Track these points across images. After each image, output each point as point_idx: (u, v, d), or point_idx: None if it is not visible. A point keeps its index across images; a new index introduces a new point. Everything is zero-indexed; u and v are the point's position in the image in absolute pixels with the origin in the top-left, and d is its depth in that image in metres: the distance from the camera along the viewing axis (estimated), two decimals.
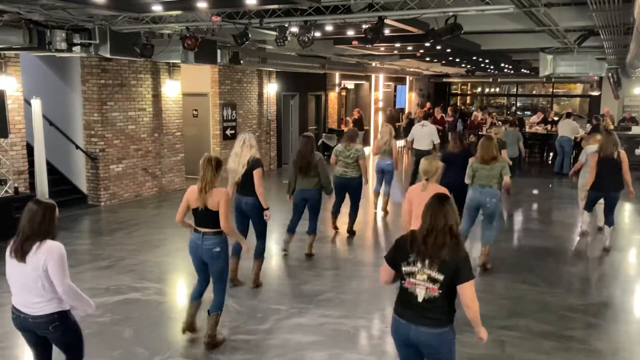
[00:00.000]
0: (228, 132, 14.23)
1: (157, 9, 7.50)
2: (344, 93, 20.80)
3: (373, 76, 22.19)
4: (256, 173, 6.14)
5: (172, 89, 12.39)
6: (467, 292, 3.17)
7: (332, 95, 19.53)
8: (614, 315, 6.03)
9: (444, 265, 3.17)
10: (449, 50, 14.41)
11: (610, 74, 16.70)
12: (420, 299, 3.24)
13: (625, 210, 11.34)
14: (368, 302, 6.22)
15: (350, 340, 5.33)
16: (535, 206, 12.04)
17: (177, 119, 12.71)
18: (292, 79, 16.62)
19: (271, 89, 15.82)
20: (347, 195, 8.70)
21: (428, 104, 23.77)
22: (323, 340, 5.23)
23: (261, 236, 6.60)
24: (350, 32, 10.34)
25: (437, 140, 11.43)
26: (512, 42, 13.22)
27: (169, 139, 12.49)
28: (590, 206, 8.55)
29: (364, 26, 7.62)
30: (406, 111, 24.40)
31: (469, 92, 33.00)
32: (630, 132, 16.84)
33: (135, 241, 8.62)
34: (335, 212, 8.87)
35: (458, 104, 30.47)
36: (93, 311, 3.78)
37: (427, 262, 3.21)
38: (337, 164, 8.66)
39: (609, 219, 8.23)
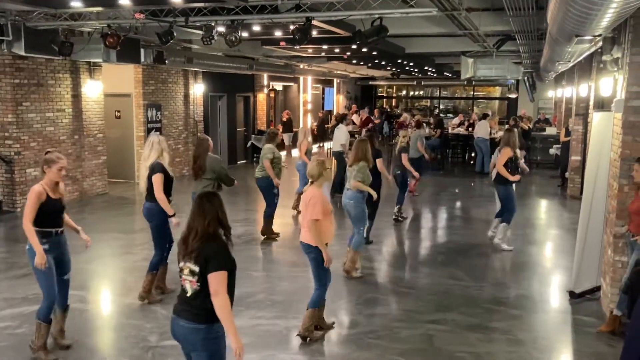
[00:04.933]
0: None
1: (77, 5, 7.21)
2: (272, 95, 20.75)
3: (301, 78, 22.30)
4: (155, 178, 5.88)
5: (93, 89, 11.91)
6: (212, 281, 3.31)
7: (261, 97, 19.44)
8: (533, 306, 6.33)
9: (198, 257, 3.33)
10: (375, 53, 14.71)
11: (526, 78, 17.59)
12: (188, 294, 3.39)
13: (542, 206, 11.95)
14: (299, 302, 6.20)
15: (283, 341, 5.32)
16: (458, 204, 12.46)
17: (98, 120, 12.24)
18: (219, 79, 16.40)
19: (198, 89, 15.55)
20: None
21: (354, 106, 24.11)
22: (256, 342, 5.17)
23: (156, 246, 6.13)
24: (278, 33, 10.36)
25: (344, 142, 11.67)
26: (435, 45, 13.68)
27: (90, 141, 12.01)
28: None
29: (291, 27, 7.63)
30: (334, 113, 24.68)
31: (394, 95, 33.82)
32: (544, 133, 17.77)
33: None
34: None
35: (385, 106, 31.14)
36: None
37: (186, 257, 3.38)
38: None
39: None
